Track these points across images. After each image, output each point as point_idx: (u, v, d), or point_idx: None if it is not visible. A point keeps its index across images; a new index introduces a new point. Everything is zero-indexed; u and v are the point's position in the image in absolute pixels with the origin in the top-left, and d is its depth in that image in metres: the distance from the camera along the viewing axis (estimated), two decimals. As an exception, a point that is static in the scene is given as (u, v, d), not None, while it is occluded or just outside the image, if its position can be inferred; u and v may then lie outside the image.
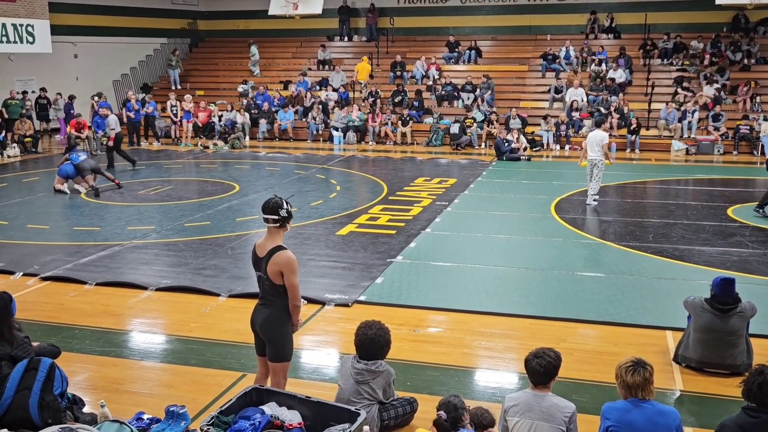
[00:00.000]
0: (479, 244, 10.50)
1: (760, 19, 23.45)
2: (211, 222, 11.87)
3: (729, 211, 12.41)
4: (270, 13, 23.15)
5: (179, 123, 22.14)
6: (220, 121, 22.35)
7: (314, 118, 22.52)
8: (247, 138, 22.21)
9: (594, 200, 12.94)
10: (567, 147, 20.08)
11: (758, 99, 20.65)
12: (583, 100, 21.45)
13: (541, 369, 4.25)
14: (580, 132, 20.33)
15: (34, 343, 5.55)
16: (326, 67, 25.90)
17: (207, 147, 21.12)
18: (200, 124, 22.39)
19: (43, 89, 22.19)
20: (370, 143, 21.60)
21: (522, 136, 19.29)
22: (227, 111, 22.82)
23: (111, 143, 17.44)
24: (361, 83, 24.23)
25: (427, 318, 7.71)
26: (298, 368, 6.42)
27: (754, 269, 9.14)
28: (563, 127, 20.41)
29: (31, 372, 4.75)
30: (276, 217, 4.93)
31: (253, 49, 26.24)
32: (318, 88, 24.55)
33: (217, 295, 8.34)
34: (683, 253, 9.91)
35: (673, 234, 11.02)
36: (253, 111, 22.92)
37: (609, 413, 4.13)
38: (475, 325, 7.48)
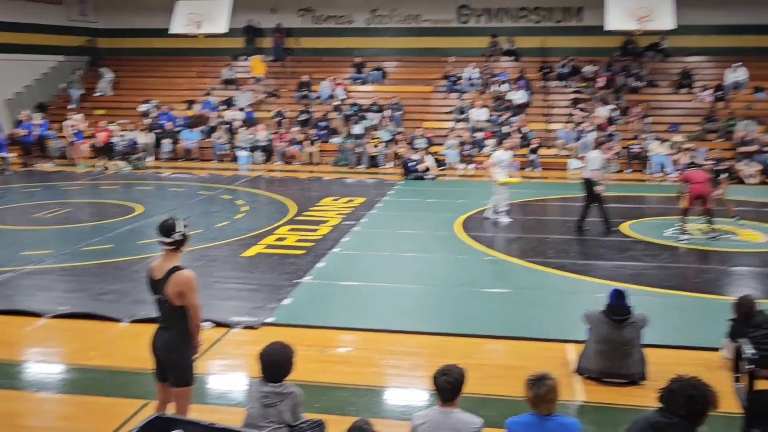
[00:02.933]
0: (387, 263, 10.58)
1: (648, 44, 24.81)
2: (113, 245, 11.46)
3: (623, 227, 12.99)
4: (171, 31, 22.71)
5: (74, 144, 21.29)
6: (121, 141, 21.63)
7: (219, 138, 22.18)
8: (151, 158, 21.62)
9: (497, 216, 13.24)
10: (471, 166, 20.55)
11: (648, 120, 21.78)
12: (486, 121, 22.05)
13: (449, 386, 4.32)
14: (483, 151, 20.85)
15: None
16: (232, 86, 25.59)
17: (106, 168, 20.40)
18: (100, 144, 21.59)
19: None
20: (277, 163, 21.45)
21: (428, 156, 19.62)
22: (129, 131, 22.14)
23: None
24: (259, 77, 24.74)
25: (336, 338, 7.69)
26: (206, 394, 6.27)
27: (647, 281, 9.60)
28: (467, 147, 20.91)
29: None
30: (170, 240, 4.85)
31: (103, 70, 25.88)
32: (223, 107, 24.22)
33: (119, 320, 8.05)
34: (582, 268, 10.30)
35: (573, 249, 11.45)
36: (156, 131, 22.35)
37: (513, 427, 4.23)
38: (384, 343, 7.51)
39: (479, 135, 21.46)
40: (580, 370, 6.67)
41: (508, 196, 13.30)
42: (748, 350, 3.75)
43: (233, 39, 25.49)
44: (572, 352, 7.12)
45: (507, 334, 7.75)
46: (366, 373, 6.77)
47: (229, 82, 25.73)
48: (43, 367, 6.98)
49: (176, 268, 4.85)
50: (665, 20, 20.86)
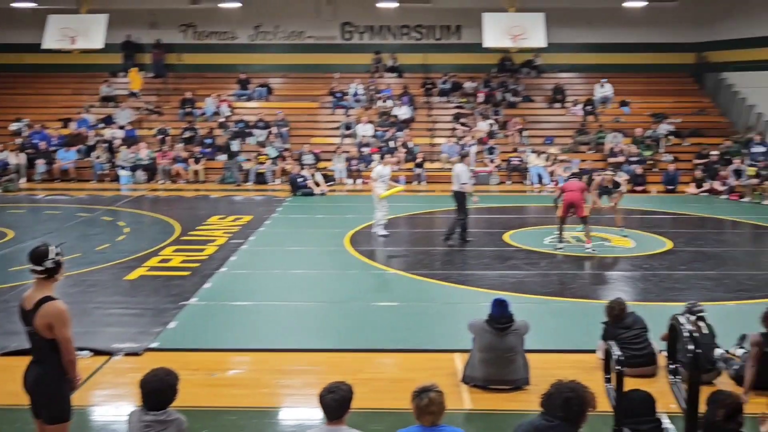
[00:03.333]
0: (277, 281, 10.49)
1: (523, 61, 25.94)
2: (-20, 274, 10.76)
3: (505, 237, 13.47)
4: (44, 46, 21.68)
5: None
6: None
7: (99, 157, 21.31)
8: (23, 180, 20.48)
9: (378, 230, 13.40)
10: (359, 181, 20.73)
11: (526, 134, 22.73)
12: (372, 136, 22.33)
13: (335, 403, 4.32)
14: (370, 166, 21.07)
15: None
16: (111, 103, 24.68)
17: (-27, 191, 19.16)
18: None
19: None
20: (161, 182, 20.83)
21: (317, 172, 19.63)
22: (-3, 151, 20.90)
23: None
24: (136, 92, 24.18)
25: (225, 360, 7.53)
26: (86, 426, 5.99)
27: (528, 289, 10.00)
28: (354, 162, 21.09)
29: None
30: (41, 268, 4.61)
31: None
32: (102, 125, 23.29)
33: (-12, 354, 7.56)
34: (467, 278, 10.60)
35: (458, 260, 11.76)
36: (28, 151, 21.20)
37: (400, 439, 4.29)
38: (274, 363, 7.43)
39: (366, 150, 21.69)
40: (465, 379, 6.84)
41: (387, 210, 13.38)
42: (616, 352, 3.98)
43: (111, 55, 24.64)
44: (459, 362, 7.29)
45: (396, 347, 7.85)
46: (255, 394, 6.67)
47: (107, 99, 24.79)
48: None
49: (47, 299, 4.60)
50: (538, 38, 21.89)
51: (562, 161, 20.57)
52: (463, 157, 13.66)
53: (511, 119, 23.24)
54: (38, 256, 4.63)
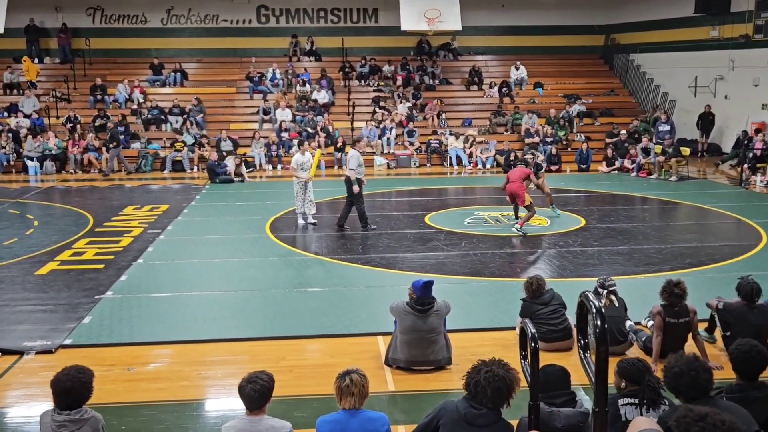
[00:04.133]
0: (196, 271, 10.29)
1: (440, 44, 26.17)
2: None
3: (426, 219, 13.61)
4: (-62, 31, 20.48)
5: None
6: None
7: (3, 148, 20.33)
8: None
9: (305, 217, 13.25)
10: (279, 167, 20.52)
11: (444, 116, 22.98)
12: (291, 121, 22.11)
13: (256, 394, 4.29)
14: (290, 152, 20.89)
15: None
16: (15, 91, 23.55)
17: None
18: None
19: None
20: (72, 172, 20.06)
21: (235, 158, 19.28)
22: None
23: None
24: (33, 82, 23.39)
25: (143, 354, 7.34)
26: (-5, 430, 5.75)
27: (448, 270, 10.14)
28: (274, 148, 20.84)
29: None
30: None
31: None
32: (6, 114, 22.21)
33: None
34: (389, 261, 10.67)
35: (380, 244, 11.81)
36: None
37: (322, 426, 4.30)
38: (194, 355, 7.29)
39: (285, 135, 21.47)
40: (388, 361, 6.89)
41: (307, 197, 13.14)
42: (531, 329, 4.08)
43: (14, 39, 23.52)
44: (383, 345, 7.34)
45: (319, 333, 7.83)
46: (175, 387, 6.54)
47: (11, 87, 23.65)
48: None
49: None
50: (453, 21, 22.14)
51: (479, 143, 20.93)
52: (355, 142, 13.51)
53: (429, 102, 23.43)
54: None
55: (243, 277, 10.00)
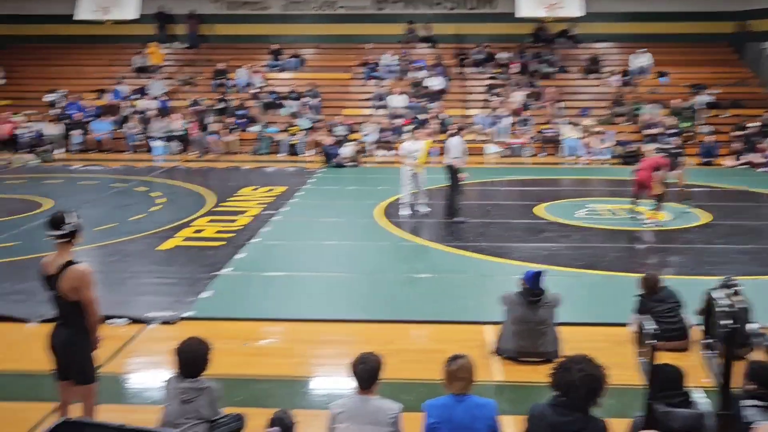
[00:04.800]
0: (309, 252, 10.54)
1: (558, 31, 25.47)
2: (20, 242, 10.99)
3: (538, 209, 13.35)
4: (76, 17, 21.82)
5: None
6: (26, 132, 20.70)
7: (133, 128, 21.53)
8: (60, 150, 20.79)
9: (414, 206, 13.07)
10: (391, 152, 20.65)
11: (560, 105, 22.39)
12: (404, 107, 22.21)
13: (365, 374, 4.36)
14: (402, 137, 20.98)
15: None
16: (144, 74, 24.85)
17: (10, 162, 19.46)
18: (4, 137, 20.59)
19: None
20: (194, 153, 20.98)
21: (348, 143, 19.59)
22: (35, 122, 21.19)
23: None
24: (158, 65, 24.46)
25: (257, 330, 7.62)
26: (122, 392, 6.13)
27: (560, 262, 9.91)
28: (386, 133, 21.01)
29: None
30: (61, 232, 4.72)
31: None
32: (136, 96, 23.49)
33: (27, 321, 7.74)
34: (500, 251, 10.54)
35: (490, 233, 11.70)
36: (65, 121, 21.49)
37: (430, 410, 4.32)
38: (306, 333, 7.50)
39: (398, 121, 21.58)
40: (497, 351, 6.84)
41: (417, 185, 12.94)
42: (649, 326, 3.92)
43: (145, 25, 24.75)
44: (490, 334, 7.28)
45: (427, 319, 7.86)
46: (287, 363, 6.75)
47: (141, 70, 24.97)
48: (-54, 372, 6.66)
49: (70, 263, 4.73)
50: (573, 8, 21.48)
51: (597, 133, 20.27)
52: (459, 130, 13.27)
53: (545, 90, 22.91)
54: (56, 221, 4.77)
55: (354, 260, 10.17)
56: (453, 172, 12.24)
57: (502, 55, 24.69)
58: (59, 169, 18.46)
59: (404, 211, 12.93)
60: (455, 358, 4.40)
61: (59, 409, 5.07)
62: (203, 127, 21.07)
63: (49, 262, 4.81)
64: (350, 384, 4.56)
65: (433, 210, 13.19)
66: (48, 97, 23.08)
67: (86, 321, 4.78)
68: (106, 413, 5.16)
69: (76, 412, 4.94)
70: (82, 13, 21.65)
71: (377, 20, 26.18)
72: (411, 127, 20.00)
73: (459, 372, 4.32)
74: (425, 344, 7.29)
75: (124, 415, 5.01)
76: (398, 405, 4.44)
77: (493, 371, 6.57)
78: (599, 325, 7.66)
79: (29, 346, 7.11)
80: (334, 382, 6.41)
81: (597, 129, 20.47)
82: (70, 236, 4.78)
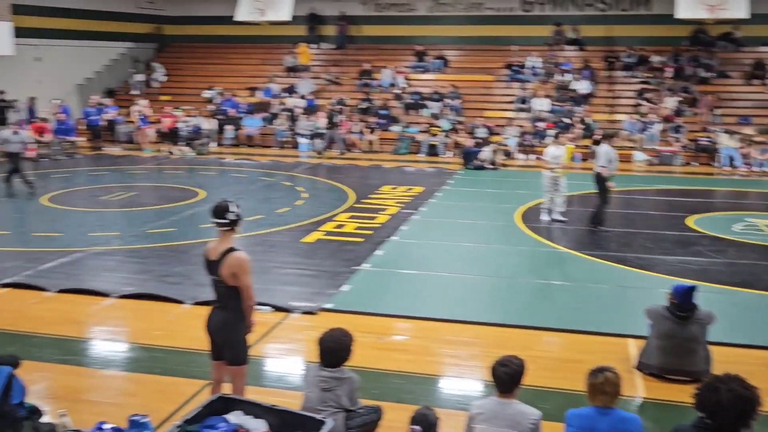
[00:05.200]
0: (446, 252, 10.55)
1: (719, 33, 23.99)
2: (176, 229, 11.74)
3: (688, 221, 12.65)
4: (236, 18, 23.01)
5: (140, 129, 21.89)
6: (185, 126, 22.13)
7: (281, 125, 22.44)
8: (213, 144, 22.05)
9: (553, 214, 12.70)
10: (532, 156, 20.30)
11: (718, 112, 21.09)
12: (548, 111, 21.73)
13: (507, 377, 4.29)
14: (544, 141, 20.56)
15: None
16: (293, 73, 25.84)
17: (171, 153, 20.88)
18: (165, 130, 22.13)
19: (1, 92, 21.70)
20: (337, 151, 21.57)
21: (489, 145, 19.43)
22: (193, 117, 22.62)
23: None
24: (305, 65, 25.33)
25: (393, 326, 7.72)
26: (264, 376, 6.39)
27: (712, 278, 9.32)
28: (528, 137, 20.65)
29: (-12, 381, 4.65)
30: (225, 220, 4.96)
31: (156, 65, 26.85)
32: (285, 95, 24.47)
33: (182, 302, 8.25)
34: (645, 262, 10.07)
35: (635, 243, 11.20)
36: (219, 117, 22.75)
37: (572, 420, 4.18)
38: (441, 333, 7.50)
39: (541, 125, 21.16)
40: (640, 366, 6.54)
41: (558, 190, 12.55)
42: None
43: (296, 26, 25.70)
44: (633, 348, 6.98)
45: (566, 327, 7.64)
46: (422, 361, 6.78)
47: (291, 70, 25.98)
48: (108, 345, 7.22)
49: (231, 250, 4.98)
50: (739, 9, 20.12)
51: (758, 143, 18.93)
52: (607, 137, 12.63)
53: (701, 96, 21.66)
54: (221, 210, 5.01)
55: (491, 263, 10.06)
56: (601, 180, 11.79)
57: (656, 59, 23.59)
58: (213, 162, 19.57)
59: (544, 217, 12.63)
60: (600, 370, 4.23)
61: (212, 386, 5.35)
62: (332, 125, 21.52)
63: (211, 248, 5.10)
64: (485, 386, 4.51)
65: (573, 217, 12.80)
66: (205, 94, 24.53)
67: (242, 306, 5.02)
68: (248, 395, 5.39)
69: (226, 390, 5.19)
70: (242, 14, 22.80)
71: (524, 22, 25.79)
72: (554, 131, 19.56)
73: (605, 385, 4.16)
74: (563, 353, 7.09)
75: (263, 397, 5.21)
76: (538, 412, 4.35)
77: (635, 387, 6.27)
78: (753, 348, 7.15)
79: (184, 325, 7.59)
80: (468, 382, 6.38)
81: (758, 139, 19.10)
82: (232, 225, 5.04)
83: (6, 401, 4.60)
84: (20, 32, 21.24)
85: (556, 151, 12.61)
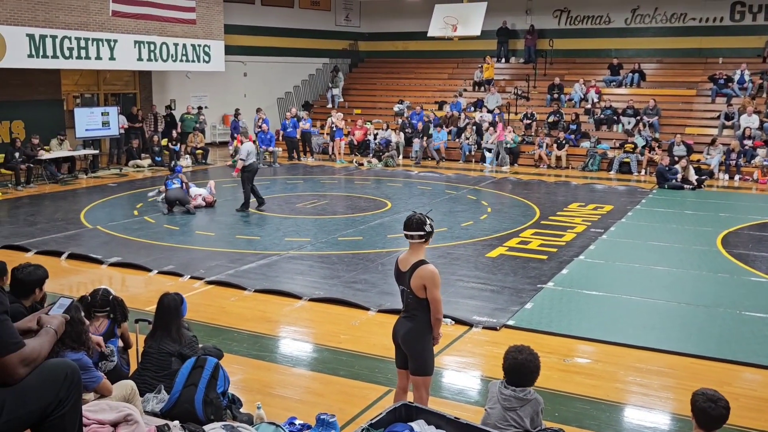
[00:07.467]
0: (636, 275, 10.04)
1: None
2: (363, 237, 12.17)
3: None
4: (429, 34, 23.48)
5: (334, 140, 22.95)
6: (375, 139, 22.92)
7: (467, 139, 22.55)
8: (401, 157, 22.62)
9: None
10: (737, 177, 18.80)
11: None
12: (757, 128, 20.03)
13: (718, 416, 3.97)
14: (752, 162, 18.99)
15: (200, 345, 5.92)
16: (481, 88, 25.90)
17: (362, 164, 21.70)
18: (356, 142, 23.05)
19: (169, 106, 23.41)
20: (527, 166, 21.29)
21: (688, 164, 18.23)
22: (383, 129, 23.37)
23: (236, 174, 15.09)
24: (490, 81, 25.28)
25: (577, 348, 7.47)
26: (443, 388, 6.43)
27: None
28: (734, 156, 19.15)
29: (197, 369, 5.07)
30: (421, 233, 5.05)
31: (338, 79, 27.58)
32: (472, 109, 24.58)
33: (367, 309, 8.52)
34: None
35: None
36: (407, 130, 23.32)
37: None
38: (628, 359, 7.15)
39: (749, 143, 19.54)
40: None
41: None
42: None
43: (486, 41, 25.78)
44: None
45: (770, 364, 6.98)
46: (608, 387, 6.49)
47: (479, 84, 26.06)
48: (298, 344, 7.62)
49: (421, 262, 5.05)
50: None
51: None
52: None
53: None
54: (418, 223, 5.10)
55: (687, 289, 9.43)
56: None
57: None
58: (400, 174, 20.07)
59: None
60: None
61: (396, 393, 5.48)
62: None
63: (403, 259, 5.22)
64: (675, 420, 4.22)
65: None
66: (395, 108, 25.25)
67: (429, 318, 5.10)
68: (429, 404, 5.45)
69: (409, 399, 5.29)
70: (434, 30, 23.24)
71: (732, 32, 24.05)
72: (765, 150, 18.02)
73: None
74: (765, 392, 6.47)
75: (443, 409, 5.23)
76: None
77: None
78: None
79: (369, 332, 7.85)
80: (657, 415, 6.00)
81: None
82: (426, 237, 5.14)
83: (212, 389, 4.99)
84: (229, 50, 23.20)
85: None
